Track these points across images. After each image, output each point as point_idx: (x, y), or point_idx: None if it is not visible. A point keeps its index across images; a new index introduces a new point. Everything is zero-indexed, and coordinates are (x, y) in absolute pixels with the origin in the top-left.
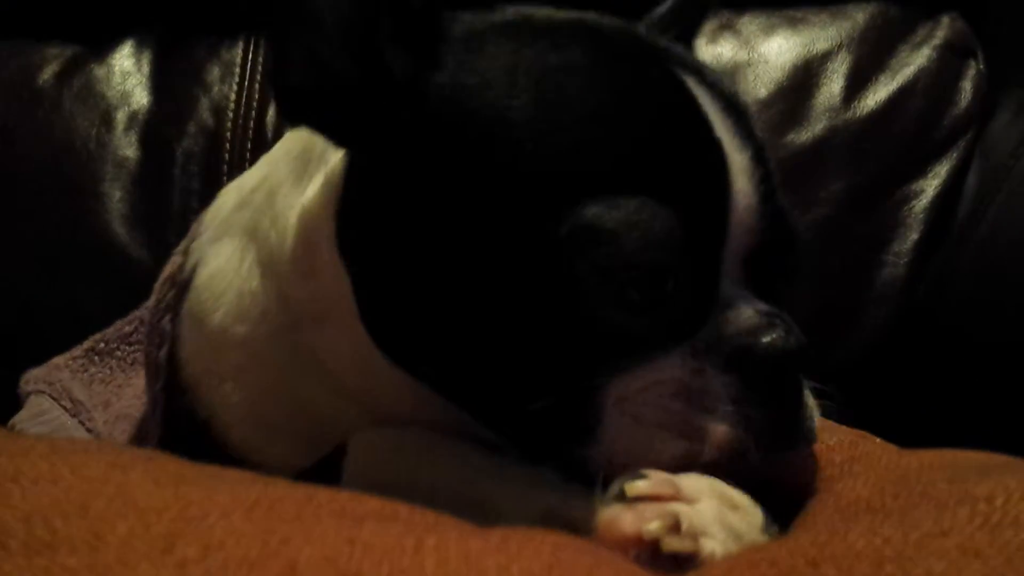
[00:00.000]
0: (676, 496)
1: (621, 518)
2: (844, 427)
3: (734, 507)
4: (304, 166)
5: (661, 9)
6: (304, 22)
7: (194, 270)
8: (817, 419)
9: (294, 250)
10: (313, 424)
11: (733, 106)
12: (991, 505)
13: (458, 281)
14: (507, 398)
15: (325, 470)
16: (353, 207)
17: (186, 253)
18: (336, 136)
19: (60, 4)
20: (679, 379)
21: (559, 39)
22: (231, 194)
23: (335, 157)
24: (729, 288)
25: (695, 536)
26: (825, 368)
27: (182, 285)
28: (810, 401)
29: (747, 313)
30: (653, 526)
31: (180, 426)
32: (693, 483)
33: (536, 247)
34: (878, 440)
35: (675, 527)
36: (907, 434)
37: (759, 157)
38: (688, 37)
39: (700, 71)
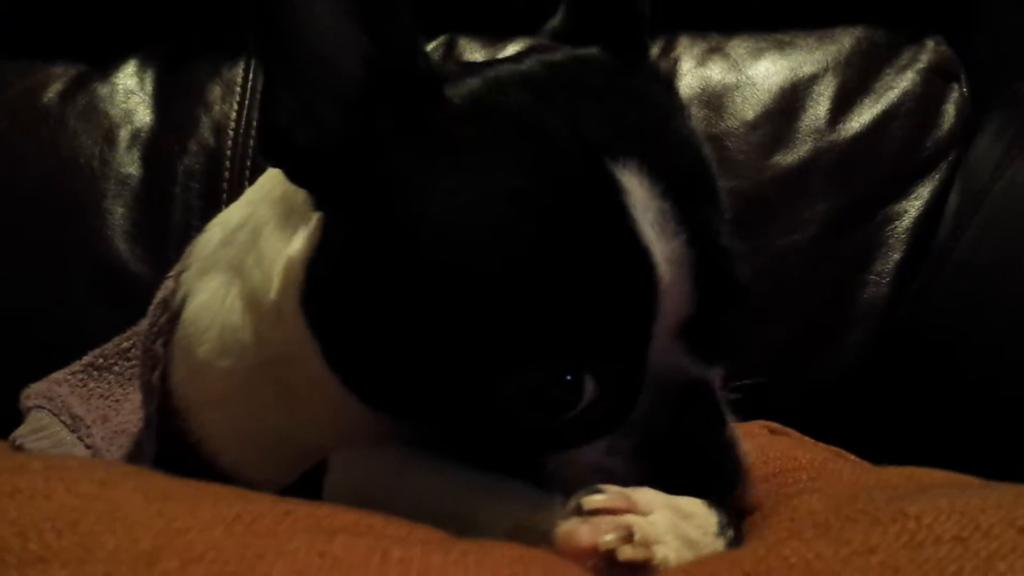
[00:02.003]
0: (630, 508)
1: (578, 531)
2: (822, 445)
3: (687, 516)
4: (287, 211)
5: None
6: (300, 73)
7: (183, 301)
8: (797, 436)
9: (277, 295)
10: (295, 450)
11: (672, 185)
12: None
13: (404, 362)
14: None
15: (307, 486)
16: (318, 267)
17: (177, 281)
18: (305, 186)
19: (65, 24)
20: (596, 462)
21: (502, 151)
22: (216, 230)
23: (316, 213)
24: (667, 357)
25: (648, 545)
26: (809, 385)
27: (174, 312)
28: (733, 452)
29: (668, 398)
30: (608, 537)
31: (173, 446)
32: (647, 496)
33: (461, 362)
34: (852, 458)
35: (629, 537)
36: (888, 451)
37: (696, 234)
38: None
39: (644, 142)
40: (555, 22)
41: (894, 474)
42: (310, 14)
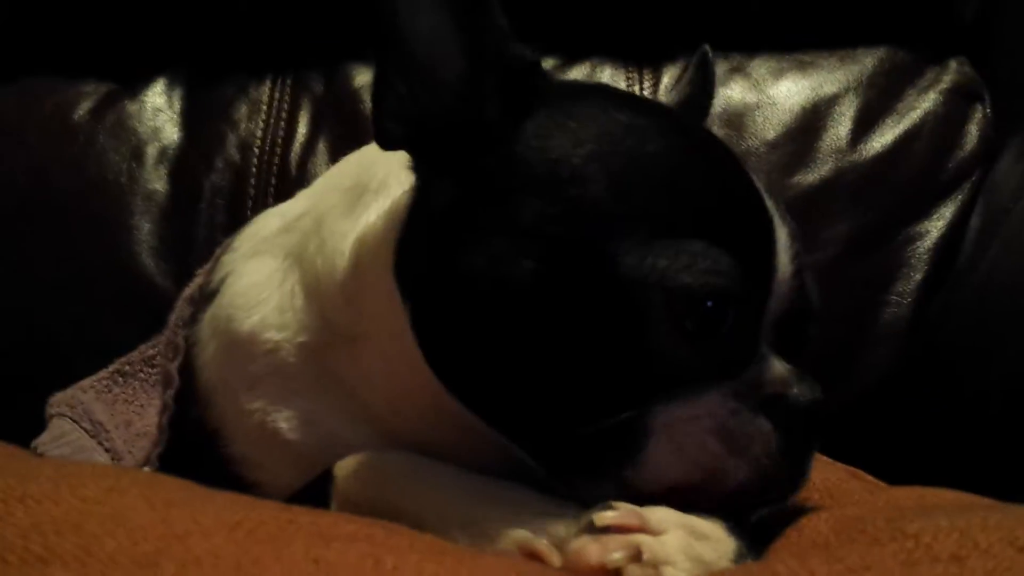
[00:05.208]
0: (642, 527)
1: (587, 549)
2: (839, 465)
3: (702, 537)
4: (356, 198)
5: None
6: (407, 64)
7: (223, 281)
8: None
9: (344, 275)
10: (314, 444)
11: (772, 190)
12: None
13: (525, 309)
14: (561, 419)
15: (313, 493)
16: (417, 238)
17: (211, 271)
18: (418, 156)
19: (95, 43)
20: (719, 415)
21: (640, 110)
22: (272, 218)
23: (397, 190)
24: (762, 344)
25: (656, 565)
26: (830, 405)
27: (204, 298)
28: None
29: (778, 366)
30: (616, 556)
31: (188, 438)
32: (660, 515)
33: (604, 281)
34: (868, 478)
35: (638, 556)
36: (908, 470)
37: (794, 236)
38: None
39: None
40: None
41: (903, 494)
42: (414, 17)
